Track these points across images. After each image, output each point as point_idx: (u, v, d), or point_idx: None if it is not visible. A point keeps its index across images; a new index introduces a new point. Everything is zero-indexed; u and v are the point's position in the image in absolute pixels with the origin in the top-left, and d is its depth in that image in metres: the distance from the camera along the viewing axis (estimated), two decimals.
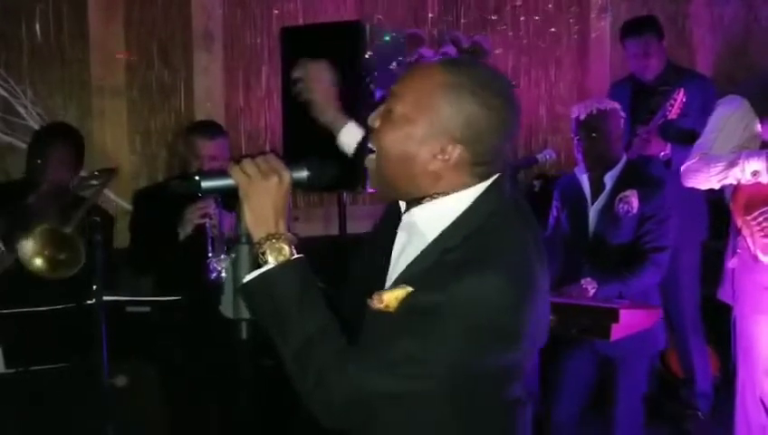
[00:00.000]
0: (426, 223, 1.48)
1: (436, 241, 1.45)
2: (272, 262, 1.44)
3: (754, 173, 2.88)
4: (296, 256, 1.47)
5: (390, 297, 1.42)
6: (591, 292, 3.01)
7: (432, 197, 1.48)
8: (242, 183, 1.48)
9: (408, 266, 1.47)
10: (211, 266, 2.80)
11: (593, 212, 3.21)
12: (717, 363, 4.28)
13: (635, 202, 3.10)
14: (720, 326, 3.35)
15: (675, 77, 4.04)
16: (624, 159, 3.25)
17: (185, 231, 3.02)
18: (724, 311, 3.21)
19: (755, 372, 3.04)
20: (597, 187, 3.23)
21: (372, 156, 1.52)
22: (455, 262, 1.38)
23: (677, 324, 4.15)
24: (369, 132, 1.57)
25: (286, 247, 1.46)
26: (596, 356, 3.13)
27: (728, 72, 4.74)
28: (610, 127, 3.20)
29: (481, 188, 1.48)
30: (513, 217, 1.48)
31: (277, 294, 1.44)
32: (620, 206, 3.11)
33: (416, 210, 1.49)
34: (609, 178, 3.20)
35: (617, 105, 3.27)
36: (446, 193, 1.47)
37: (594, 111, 3.18)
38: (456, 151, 1.44)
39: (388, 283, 1.50)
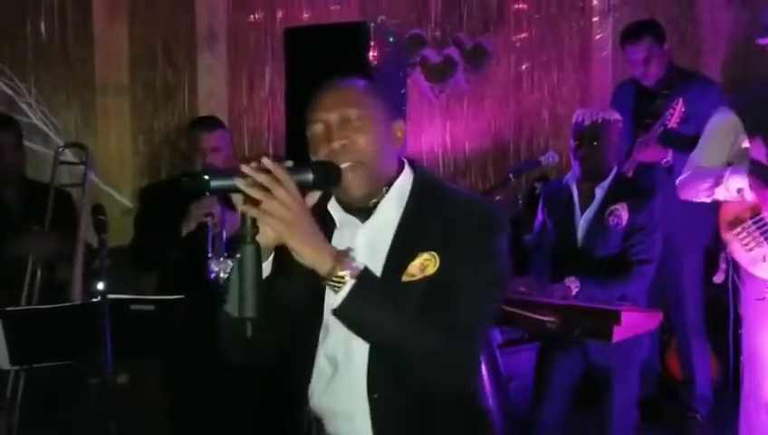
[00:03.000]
0: (395, 201, 1.65)
1: (408, 212, 1.64)
2: (351, 280, 1.49)
3: (739, 190, 2.93)
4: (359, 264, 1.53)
5: (428, 262, 1.58)
6: (574, 291, 3.02)
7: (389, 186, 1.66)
8: (280, 228, 1.45)
9: (404, 241, 1.62)
10: (210, 267, 2.78)
11: (582, 222, 3.19)
12: (717, 367, 4.28)
13: (624, 215, 3.09)
14: (721, 330, 3.36)
15: (678, 81, 4.02)
16: (614, 171, 3.23)
17: (188, 227, 3.03)
18: (725, 314, 3.22)
19: (759, 380, 3.06)
20: (587, 197, 3.21)
21: (348, 167, 1.59)
22: (448, 211, 1.61)
23: (679, 327, 4.15)
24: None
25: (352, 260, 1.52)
26: (584, 362, 3.14)
27: (732, 77, 4.75)
28: (611, 138, 3.19)
29: (407, 162, 1.70)
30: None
31: (373, 304, 1.51)
32: (610, 219, 3.10)
33: (383, 202, 1.64)
34: (599, 190, 3.18)
35: (619, 117, 3.25)
36: (398, 174, 1.67)
37: (599, 120, 3.17)
38: (402, 125, 1.69)
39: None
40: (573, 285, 3.03)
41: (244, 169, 1.47)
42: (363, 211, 1.65)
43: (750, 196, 2.93)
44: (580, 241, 3.18)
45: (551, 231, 3.29)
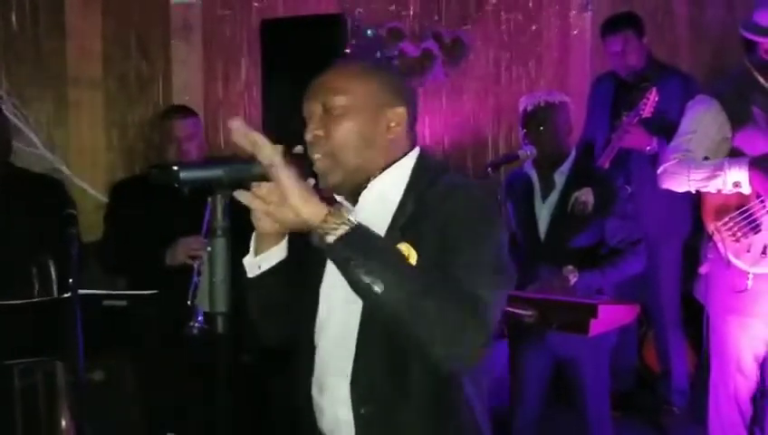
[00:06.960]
0: (389, 189, 1.63)
1: (404, 197, 1.62)
2: (351, 222, 1.43)
3: (736, 184, 2.82)
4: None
5: (407, 252, 1.55)
6: (573, 280, 2.98)
7: (383, 169, 1.64)
8: (285, 179, 1.43)
9: (399, 226, 1.59)
10: (191, 323, 2.57)
11: (545, 210, 3.13)
12: (694, 359, 4.30)
13: (591, 199, 3.03)
14: (698, 322, 3.36)
15: (656, 74, 4.03)
16: (573, 154, 3.16)
17: (173, 260, 2.99)
18: (701, 307, 3.22)
19: (728, 371, 3.06)
20: (547, 184, 3.14)
21: (319, 159, 1.58)
22: (435, 198, 1.58)
23: (657, 319, 4.17)
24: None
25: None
26: (551, 356, 3.12)
27: (708, 71, 4.76)
28: (559, 120, 3.11)
29: (417, 150, 1.69)
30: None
31: (377, 240, 1.48)
32: (577, 206, 3.06)
33: (375, 183, 1.62)
34: (559, 175, 3.11)
35: (566, 98, 3.18)
36: (397, 159, 1.65)
37: (542, 103, 3.09)
38: (400, 112, 1.64)
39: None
40: (572, 274, 2.98)
41: (264, 156, 1.47)
42: (356, 197, 1.65)
43: (748, 189, 2.82)
44: (545, 231, 3.11)
45: (512, 222, 3.24)
